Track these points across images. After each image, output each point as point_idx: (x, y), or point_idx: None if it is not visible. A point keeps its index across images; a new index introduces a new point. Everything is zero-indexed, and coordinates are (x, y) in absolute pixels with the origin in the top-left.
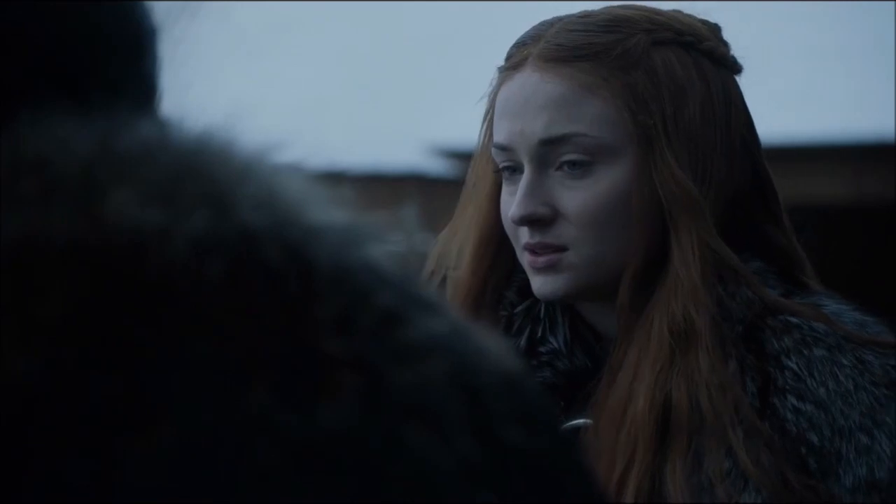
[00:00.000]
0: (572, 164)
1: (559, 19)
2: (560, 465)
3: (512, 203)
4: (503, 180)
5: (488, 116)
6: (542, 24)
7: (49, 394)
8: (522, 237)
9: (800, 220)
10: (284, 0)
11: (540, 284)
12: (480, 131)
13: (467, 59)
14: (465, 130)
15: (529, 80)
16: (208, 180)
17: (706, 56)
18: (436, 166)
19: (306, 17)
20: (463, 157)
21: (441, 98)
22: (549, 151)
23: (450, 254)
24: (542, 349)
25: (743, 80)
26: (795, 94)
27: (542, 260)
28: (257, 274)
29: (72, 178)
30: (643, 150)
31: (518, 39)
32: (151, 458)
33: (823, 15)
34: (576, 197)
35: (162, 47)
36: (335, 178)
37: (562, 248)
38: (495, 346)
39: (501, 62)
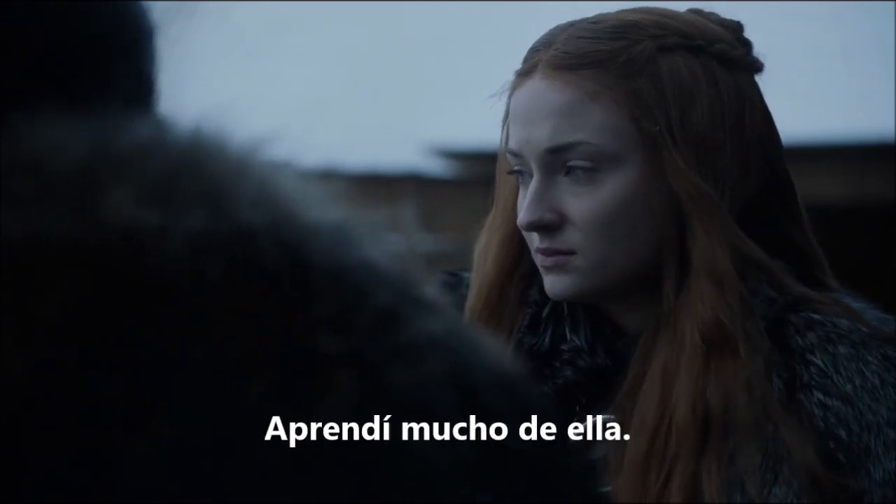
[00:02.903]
0: (578, 171)
1: (571, 24)
2: (559, 465)
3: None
4: (519, 183)
5: (506, 120)
6: (556, 28)
7: (49, 394)
8: (534, 241)
9: None
10: (284, 0)
11: (550, 284)
12: (501, 133)
13: (467, 59)
14: (465, 130)
15: (537, 87)
16: (205, 179)
17: (716, 59)
18: (434, 166)
19: (306, 17)
20: (462, 157)
21: (440, 98)
22: (555, 159)
23: (478, 251)
24: (564, 347)
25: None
26: (796, 94)
27: (550, 260)
28: (255, 273)
29: (68, 177)
30: (650, 156)
31: (533, 44)
32: (151, 458)
33: (825, 15)
34: (582, 203)
35: (159, 46)
36: (332, 177)
37: (570, 252)
38: (492, 347)
39: (503, 63)
